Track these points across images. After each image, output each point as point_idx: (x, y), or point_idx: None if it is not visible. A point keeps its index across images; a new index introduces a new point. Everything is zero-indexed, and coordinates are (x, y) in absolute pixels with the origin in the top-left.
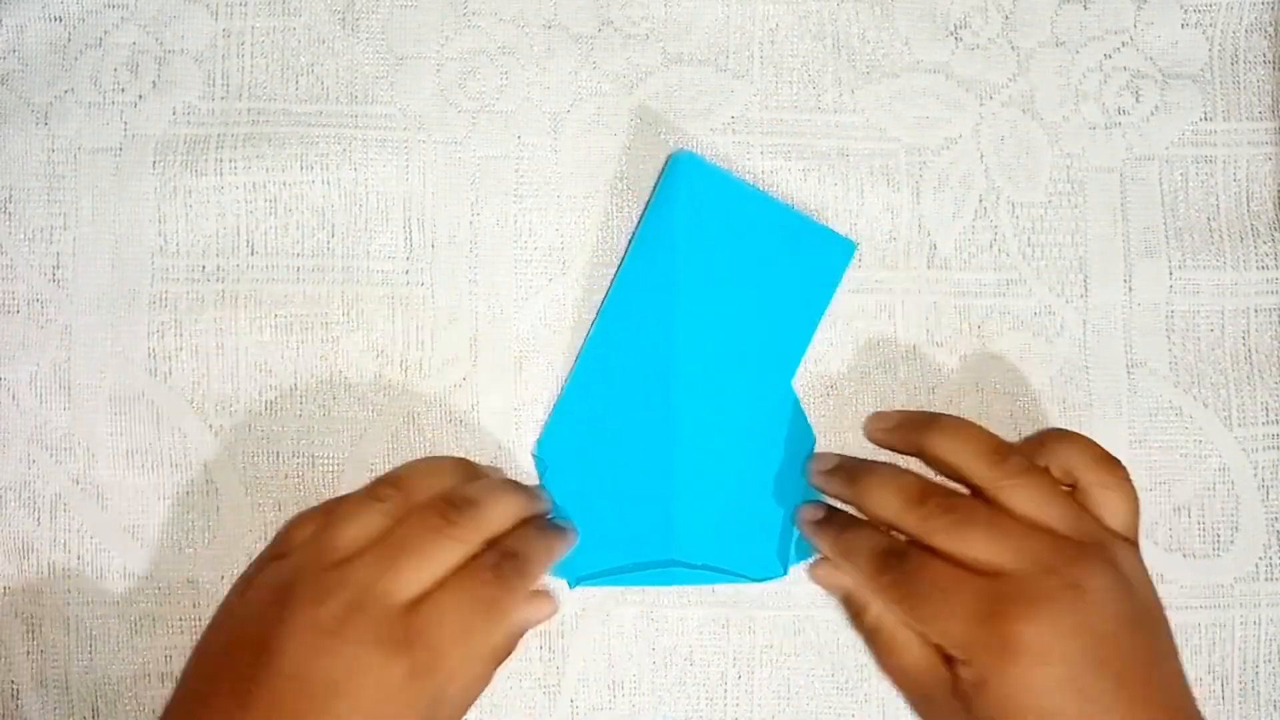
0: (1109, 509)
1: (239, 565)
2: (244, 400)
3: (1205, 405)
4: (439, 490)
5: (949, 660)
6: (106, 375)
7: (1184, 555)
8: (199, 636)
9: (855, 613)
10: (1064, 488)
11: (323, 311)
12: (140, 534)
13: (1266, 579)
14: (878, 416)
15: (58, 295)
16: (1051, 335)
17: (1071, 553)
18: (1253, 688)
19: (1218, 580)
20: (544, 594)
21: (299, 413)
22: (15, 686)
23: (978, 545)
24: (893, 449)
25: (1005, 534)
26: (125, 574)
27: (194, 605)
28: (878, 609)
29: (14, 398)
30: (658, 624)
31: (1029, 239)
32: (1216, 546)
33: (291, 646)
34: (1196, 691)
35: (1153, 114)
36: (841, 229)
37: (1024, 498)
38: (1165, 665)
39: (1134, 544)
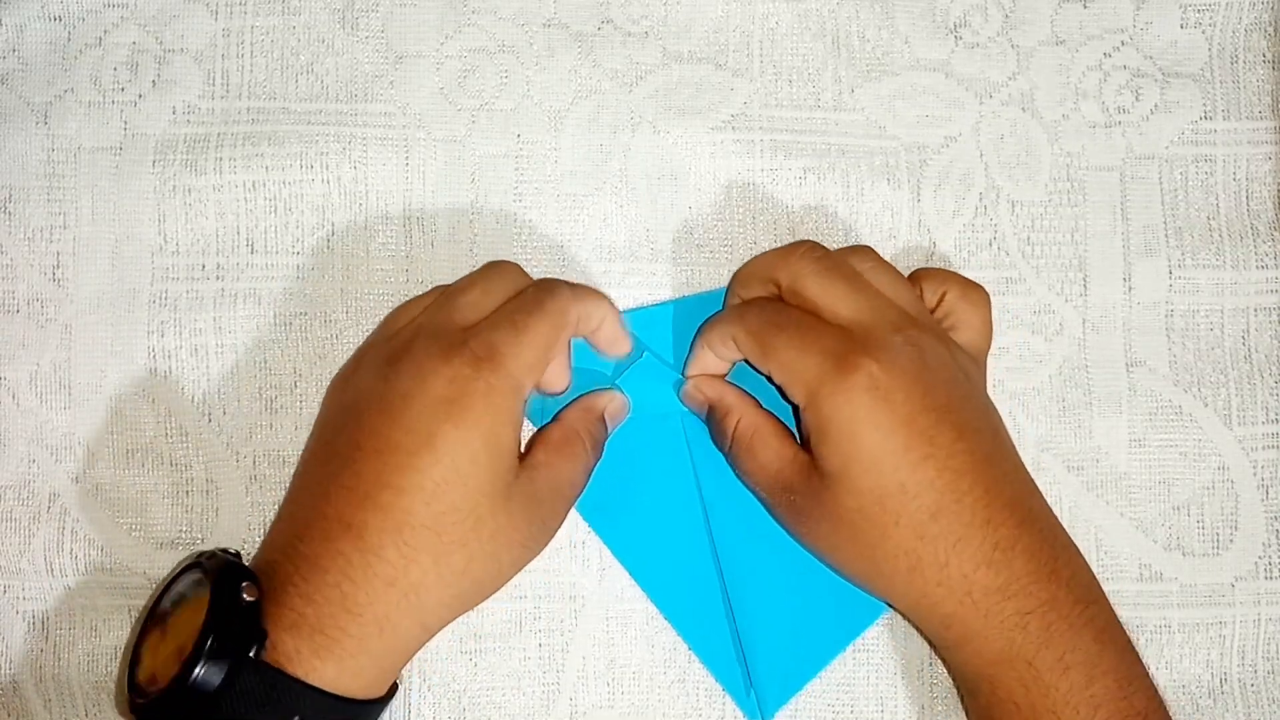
0: (965, 323)
1: None
2: (244, 399)
3: (1205, 404)
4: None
5: (805, 444)
6: (106, 375)
7: (1184, 554)
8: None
9: (719, 420)
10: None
11: (323, 310)
12: (140, 533)
13: (1266, 578)
14: None
15: (58, 295)
16: (1051, 334)
17: (915, 322)
18: (1252, 687)
19: (1217, 579)
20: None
21: (299, 411)
22: (16, 684)
23: (839, 294)
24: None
25: (864, 291)
26: (125, 572)
27: None
28: (739, 413)
29: (14, 397)
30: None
31: (1028, 237)
32: (1216, 545)
33: (363, 386)
34: (1196, 690)
35: (1152, 113)
36: (841, 227)
37: (879, 280)
38: (999, 437)
39: (978, 361)
